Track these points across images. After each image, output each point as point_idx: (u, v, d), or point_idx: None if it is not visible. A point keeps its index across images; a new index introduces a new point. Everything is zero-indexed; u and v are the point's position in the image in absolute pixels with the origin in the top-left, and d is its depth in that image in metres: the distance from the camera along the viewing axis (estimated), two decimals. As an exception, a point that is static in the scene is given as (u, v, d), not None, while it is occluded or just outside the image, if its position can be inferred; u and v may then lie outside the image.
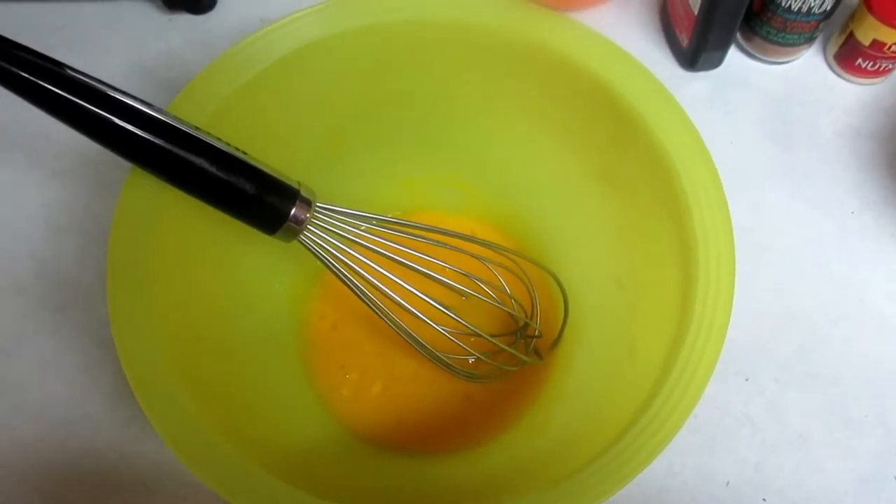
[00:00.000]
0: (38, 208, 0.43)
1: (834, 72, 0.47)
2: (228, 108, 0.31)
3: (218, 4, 0.49)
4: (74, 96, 0.25)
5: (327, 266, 0.32)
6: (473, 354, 0.37)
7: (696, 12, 0.42)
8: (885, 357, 0.40)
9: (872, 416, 0.38)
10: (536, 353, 0.38)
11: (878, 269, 0.42)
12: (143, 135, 0.26)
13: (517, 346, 0.38)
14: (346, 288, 0.33)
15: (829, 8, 0.42)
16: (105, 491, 0.37)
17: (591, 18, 0.47)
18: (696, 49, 0.44)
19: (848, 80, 0.47)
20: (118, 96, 0.26)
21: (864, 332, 0.40)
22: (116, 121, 0.26)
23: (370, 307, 0.33)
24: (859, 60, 0.45)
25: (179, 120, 0.27)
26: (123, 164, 0.29)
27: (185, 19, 0.49)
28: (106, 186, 0.44)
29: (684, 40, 0.45)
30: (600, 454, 0.27)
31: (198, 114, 0.30)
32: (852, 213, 0.43)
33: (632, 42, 0.45)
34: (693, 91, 0.46)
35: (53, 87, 0.24)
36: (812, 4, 0.41)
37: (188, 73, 0.48)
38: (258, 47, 0.32)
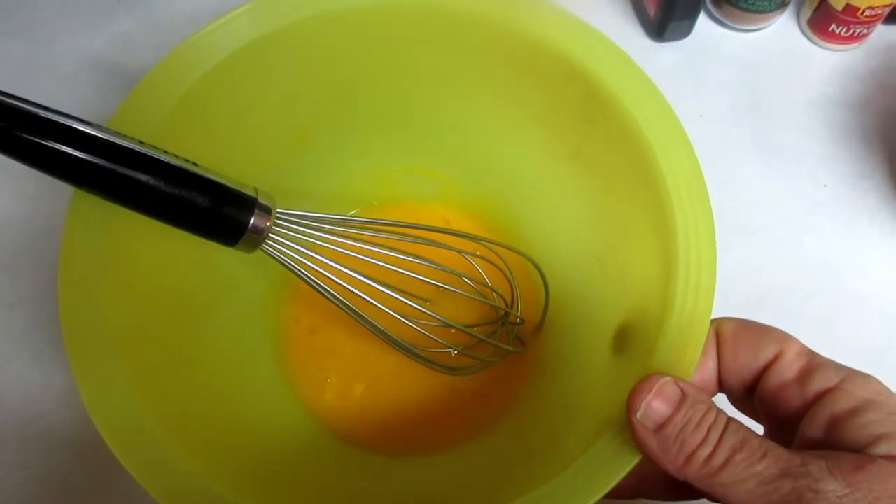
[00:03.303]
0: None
1: (808, 38, 0.46)
2: (176, 116, 0.30)
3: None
4: (3, 122, 0.23)
5: (295, 273, 0.31)
6: (455, 348, 0.37)
7: (660, -24, 0.41)
8: (858, 335, 0.39)
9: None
10: (520, 340, 0.37)
11: (850, 244, 0.41)
12: (83, 156, 0.24)
13: (500, 335, 0.37)
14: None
15: (799, -33, 0.41)
16: (63, 492, 0.36)
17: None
18: (664, 18, 0.43)
19: (822, 47, 0.45)
20: (52, 117, 0.24)
21: (837, 309, 0.40)
22: (53, 145, 0.24)
23: (344, 310, 0.32)
24: (833, 26, 0.43)
25: (120, 135, 0.26)
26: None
27: (136, 2, 0.47)
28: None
29: (651, 9, 0.43)
30: (593, 440, 0.26)
31: (141, 126, 0.29)
32: (825, 186, 0.42)
33: (598, 13, 0.44)
34: (662, 62, 0.45)
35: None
36: (782, -35, 0.40)
37: (138, 59, 0.47)
38: (203, 45, 0.30)
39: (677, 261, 0.27)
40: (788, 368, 0.24)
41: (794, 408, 0.23)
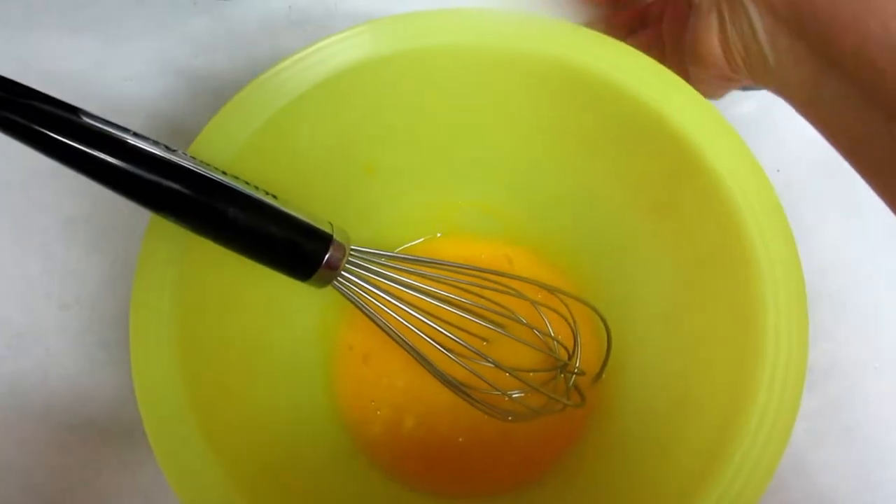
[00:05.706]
0: (50, 198, 0.42)
1: (895, 96, 0.44)
2: (254, 145, 0.29)
3: (245, -11, 0.47)
4: (91, 148, 0.23)
5: (362, 310, 0.30)
6: (510, 393, 0.36)
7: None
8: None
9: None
10: (577, 390, 0.36)
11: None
12: (168, 184, 0.24)
13: (557, 383, 0.36)
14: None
15: None
16: (106, 498, 0.36)
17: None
18: (749, 66, 0.41)
19: (909, 107, 0.43)
20: (138, 144, 0.24)
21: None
22: (138, 172, 0.23)
23: (406, 349, 0.31)
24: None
25: (203, 165, 0.25)
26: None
27: (210, 3, 0.46)
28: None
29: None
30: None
31: (222, 155, 0.28)
32: None
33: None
34: (740, 112, 0.43)
35: (68, 139, 0.22)
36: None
37: (209, 62, 0.46)
38: (284, 77, 0.30)
39: (764, 365, 0.26)
40: None
41: None
